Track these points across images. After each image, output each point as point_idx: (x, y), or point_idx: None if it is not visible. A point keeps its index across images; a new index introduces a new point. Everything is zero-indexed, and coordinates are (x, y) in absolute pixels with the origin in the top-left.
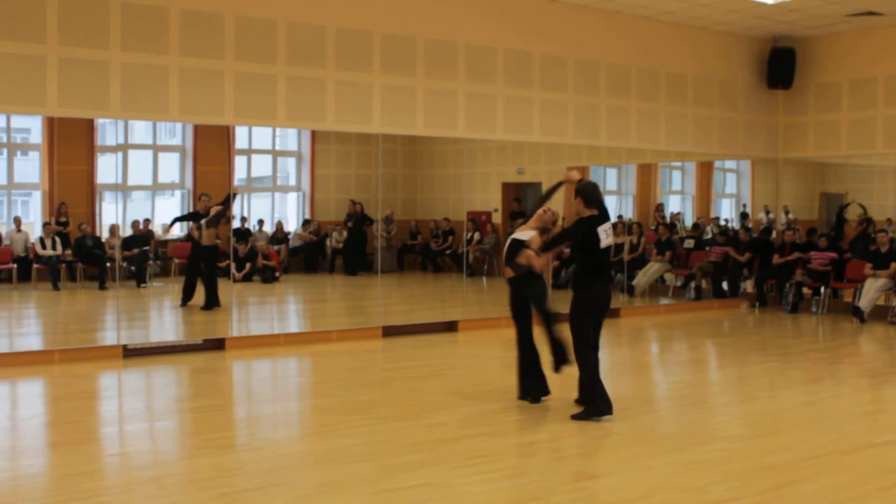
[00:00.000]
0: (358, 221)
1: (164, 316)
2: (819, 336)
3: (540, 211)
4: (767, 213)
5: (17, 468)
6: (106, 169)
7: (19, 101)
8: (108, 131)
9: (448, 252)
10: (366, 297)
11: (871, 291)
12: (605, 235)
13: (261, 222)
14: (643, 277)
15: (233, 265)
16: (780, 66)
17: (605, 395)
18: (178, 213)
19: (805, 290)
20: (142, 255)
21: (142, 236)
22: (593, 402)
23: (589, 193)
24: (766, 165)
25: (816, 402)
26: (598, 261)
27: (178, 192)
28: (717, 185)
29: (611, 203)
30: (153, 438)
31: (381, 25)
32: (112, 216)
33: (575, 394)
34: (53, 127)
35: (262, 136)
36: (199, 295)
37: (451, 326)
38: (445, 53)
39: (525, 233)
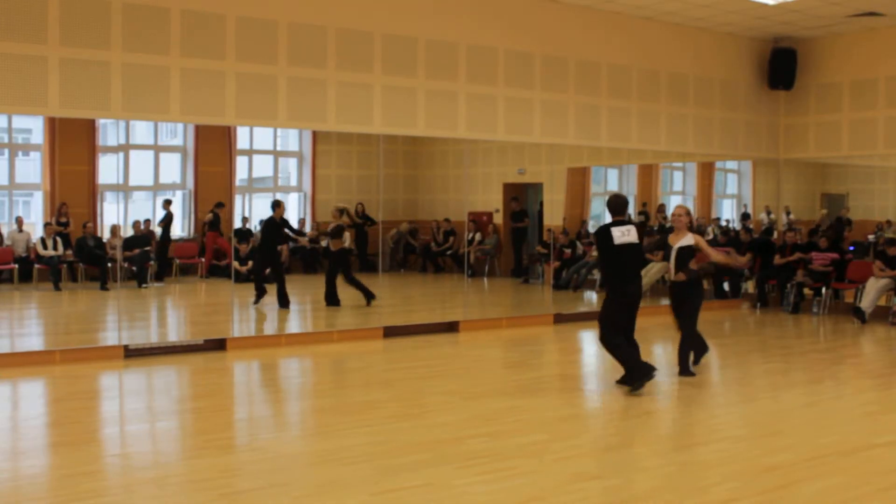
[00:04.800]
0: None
1: (165, 316)
2: (820, 337)
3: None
4: (769, 213)
5: (18, 468)
6: (107, 169)
7: (21, 102)
8: (109, 132)
9: (449, 253)
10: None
11: (872, 292)
12: (621, 234)
13: (262, 223)
14: (644, 278)
15: (236, 264)
16: (781, 66)
17: (642, 364)
18: (180, 214)
19: (806, 291)
20: (143, 256)
21: (143, 237)
22: (636, 373)
23: (608, 204)
24: (767, 166)
25: (817, 402)
26: (616, 261)
27: (179, 193)
28: (719, 186)
29: None
30: (154, 439)
31: (382, 26)
32: (113, 216)
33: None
34: (55, 127)
35: (263, 137)
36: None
37: (451, 327)
38: (446, 54)
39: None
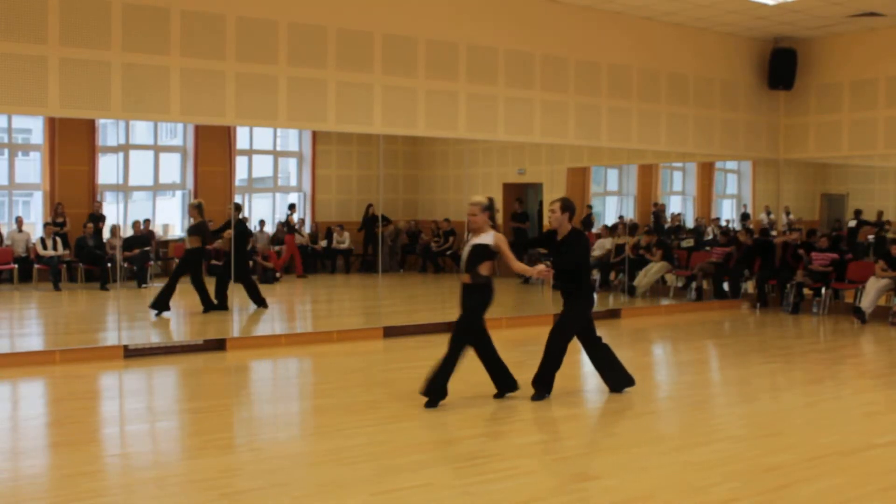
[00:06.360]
0: (369, 222)
1: (164, 316)
2: (820, 337)
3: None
4: (769, 213)
5: (18, 468)
6: (107, 169)
7: (20, 102)
8: (109, 132)
9: (449, 253)
10: (366, 298)
11: (873, 292)
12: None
13: (262, 223)
14: (644, 278)
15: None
16: (782, 66)
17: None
18: (179, 214)
19: (806, 291)
20: (143, 256)
21: (143, 237)
22: (544, 384)
23: (573, 206)
24: (767, 166)
25: (817, 402)
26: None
27: (178, 193)
28: (718, 186)
29: (612, 204)
30: (154, 439)
31: (382, 26)
32: (113, 216)
33: (574, 394)
34: (54, 127)
35: (263, 137)
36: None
37: (452, 327)
38: (447, 54)
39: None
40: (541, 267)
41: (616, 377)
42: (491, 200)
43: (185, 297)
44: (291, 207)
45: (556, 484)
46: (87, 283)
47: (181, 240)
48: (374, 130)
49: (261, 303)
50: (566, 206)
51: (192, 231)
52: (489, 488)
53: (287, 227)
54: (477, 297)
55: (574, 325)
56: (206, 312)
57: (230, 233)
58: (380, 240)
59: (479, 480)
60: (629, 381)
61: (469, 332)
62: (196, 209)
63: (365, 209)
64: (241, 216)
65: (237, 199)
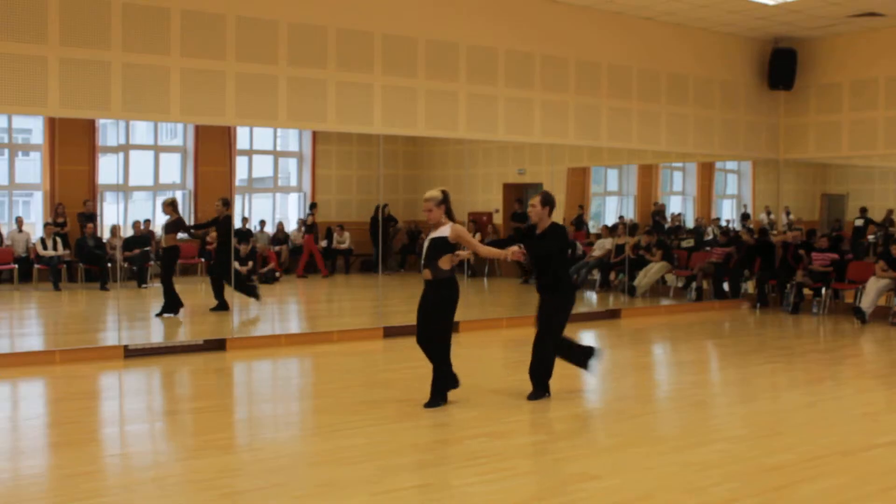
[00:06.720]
0: (377, 223)
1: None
2: (820, 337)
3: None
4: (769, 213)
5: (18, 468)
6: (107, 169)
7: (20, 102)
8: (109, 132)
9: None
10: (367, 298)
11: (873, 292)
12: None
13: (262, 223)
14: (644, 278)
15: (236, 264)
16: (782, 66)
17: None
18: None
19: (806, 291)
20: (143, 256)
21: (143, 237)
22: (543, 384)
23: (553, 201)
24: (767, 166)
25: (817, 403)
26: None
27: (179, 193)
28: (718, 186)
29: (612, 204)
30: (154, 439)
31: (382, 26)
32: (113, 217)
33: (574, 400)
34: (55, 127)
35: (263, 137)
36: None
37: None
38: (447, 54)
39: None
40: (514, 248)
41: (584, 359)
42: (444, 193)
43: (185, 297)
44: (313, 207)
45: (555, 484)
46: (87, 283)
47: (180, 240)
48: (374, 130)
49: (223, 304)
50: (546, 200)
51: (168, 228)
52: (489, 488)
53: (306, 227)
54: (441, 294)
55: (558, 321)
56: (159, 315)
57: (214, 234)
58: (380, 240)
59: (478, 480)
60: (591, 353)
61: (447, 332)
62: (170, 206)
63: (374, 209)
64: (228, 213)
65: (231, 196)
